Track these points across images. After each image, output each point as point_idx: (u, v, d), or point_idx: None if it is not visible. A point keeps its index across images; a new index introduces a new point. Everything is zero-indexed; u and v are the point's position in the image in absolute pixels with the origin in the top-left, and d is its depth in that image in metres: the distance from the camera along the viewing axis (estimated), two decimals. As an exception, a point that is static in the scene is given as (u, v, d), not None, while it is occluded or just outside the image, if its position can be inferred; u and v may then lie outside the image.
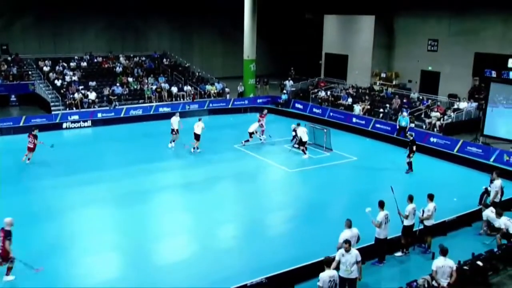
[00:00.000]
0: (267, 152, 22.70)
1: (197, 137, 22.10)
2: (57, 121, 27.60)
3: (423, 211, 12.68)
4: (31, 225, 14.33)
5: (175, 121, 22.94)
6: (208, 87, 35.08)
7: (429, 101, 28.87)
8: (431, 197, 12.84)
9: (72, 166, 20.23)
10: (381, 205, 11.95)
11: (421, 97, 29.77)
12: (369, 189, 17.92)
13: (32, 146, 20.03)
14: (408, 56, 33.83)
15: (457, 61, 30.19)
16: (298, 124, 23.12)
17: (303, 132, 22.00)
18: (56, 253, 12.79)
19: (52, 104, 29.39)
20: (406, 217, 12.37)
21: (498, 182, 14.73)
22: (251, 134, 23.54)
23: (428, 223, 12.78)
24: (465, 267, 10.70)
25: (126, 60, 37.05)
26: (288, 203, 17.45)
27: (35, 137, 20.18)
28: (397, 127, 24.84)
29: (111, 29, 39.50)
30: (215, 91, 34.91)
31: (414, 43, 33.11)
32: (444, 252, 10.04)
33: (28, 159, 20.16)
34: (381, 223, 11.72)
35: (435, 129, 25.34)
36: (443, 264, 9.89)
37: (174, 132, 22.94)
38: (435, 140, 23.45)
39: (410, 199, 12.53)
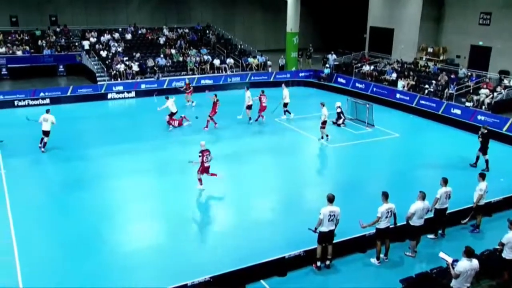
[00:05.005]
0: (308, 126, 22.50)
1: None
2: (103, 91, 28.37)
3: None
4: (80, 191, 14.97)
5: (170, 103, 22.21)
6: (250, 59, 34.92)
7: (478, 77, 27.70)
8: (483, 176, 12.48)
9: (117, 135, 20.79)
10: (445, 181, 11.85)
11: (469, 74, 28.60)
12: (410, 167, 17.61)
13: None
14: (457, 30, 32.35)
15: (511, 36, 28.70)
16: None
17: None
18: (101, 220, 13.33)
19: (97, 75, 30.11)
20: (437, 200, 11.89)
21: None
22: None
23: (479, 202, 12.45)
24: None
25: (170, 32, 37.30)
26: (327, 178, 17.42)
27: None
28: None
29: (154, 0, 39.77)
30: (257, 63, 34.74)
31: (465, 16, 31.58)
32: None
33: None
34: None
35: (483, 107, 24.38)
36: None
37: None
38: (483, 118, 22.63)
39: (445, 182, 11.91)
